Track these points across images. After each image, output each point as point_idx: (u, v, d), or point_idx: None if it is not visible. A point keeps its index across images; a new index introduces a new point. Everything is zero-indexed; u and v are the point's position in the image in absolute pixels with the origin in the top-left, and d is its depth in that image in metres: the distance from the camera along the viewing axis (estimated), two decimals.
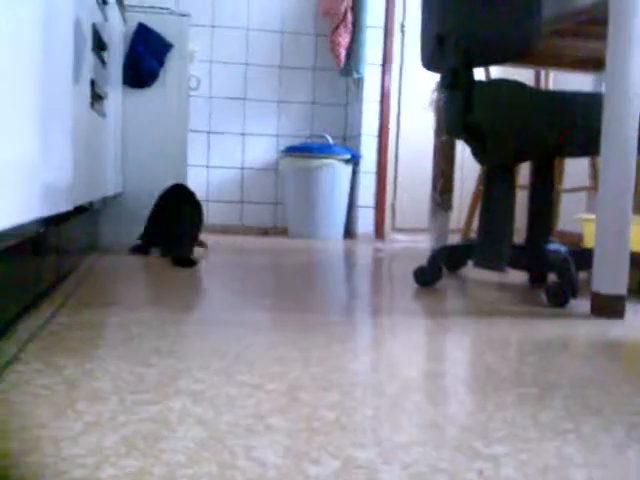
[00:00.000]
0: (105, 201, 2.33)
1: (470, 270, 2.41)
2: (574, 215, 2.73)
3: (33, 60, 1.03)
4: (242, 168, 3.85)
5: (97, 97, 2.01)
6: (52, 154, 1.22)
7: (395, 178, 3.77)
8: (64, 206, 1.35)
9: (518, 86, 1.82)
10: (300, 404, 0.87)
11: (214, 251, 2.82)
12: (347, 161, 3.62)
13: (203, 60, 3.73)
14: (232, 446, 0.72)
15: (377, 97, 3.71)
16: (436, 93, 2.75)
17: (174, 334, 1.25)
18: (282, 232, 3.84)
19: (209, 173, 3.80)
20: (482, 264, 1.89)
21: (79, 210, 1.58)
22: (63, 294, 1.61)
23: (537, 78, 3.75)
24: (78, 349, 1.11)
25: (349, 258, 2.87)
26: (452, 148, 2.60)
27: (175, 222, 2.50)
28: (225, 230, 3.77)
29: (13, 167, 0.91)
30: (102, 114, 2.14)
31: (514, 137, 1.85)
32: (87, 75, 1.77)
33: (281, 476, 0.65)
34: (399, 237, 3.74)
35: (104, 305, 1.51)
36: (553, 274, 1.94)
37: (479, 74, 1.98)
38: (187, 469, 0.66)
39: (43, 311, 1.40)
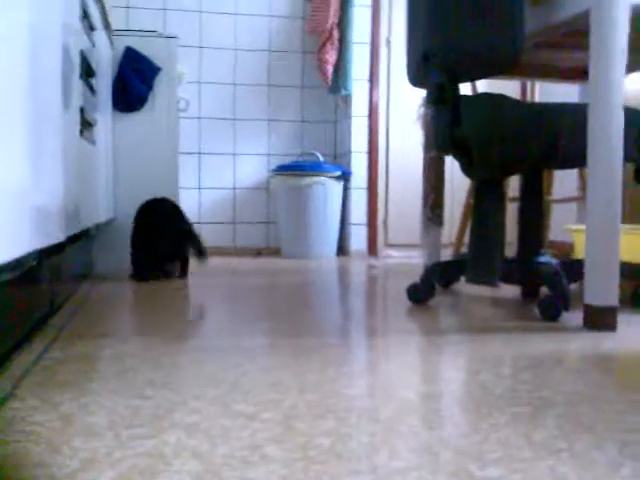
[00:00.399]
0: (98, 227, 2.33)
1: (463, 285, 2.42)
2: (565, 225, 2.75)
3: (22, 89, 1.04)
4: (234, 188, 3.87)
5: (86, 124, 2.02)
6: (43, 185, 1.23)
7: (386, 194, 3.79)
8: (57, 236, 1.35)
9: (503, 99, 1.84)
10: (296, 433, 0.88)
11: (208, 274, 2.82)
12: (338, 178, 3.64)
13: (192, 81, 3.75)
14: (227, 478, 0.73)
15: (366, 113, 3.74)
16: (423, 108, 2.77)
17: (169, 365, 1.25)
18: (275, 252, 3.84)
19: (201, 195, 3.81)
20: (474, 280, 1.90)
21: (73, 239, 1.59)
22: (57, 326, 1.61)
23: (523, 90, 3.79)
24: (72, 383, 1.11)
25: (343, 277, 2.88)
26: (441, 163, 2.62)
27: (160, 239, 2.49)
28: (218, 252, 3.78)
29: (3, 198, 0.91)
30: (92, 141, 2.15)
31: (501, 150, 1.86)
32: (76, 103, 1.78)
33: None
34: (392, 253, 3.76)
35: (98, 336, 1.51)
36: (545, 287, 1.95)
37: (465, 88, 2.00)
38: None
39: (36, 345, 1.40)
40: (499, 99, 1.85)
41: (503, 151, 1.87)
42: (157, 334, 1.52)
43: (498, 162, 1.90)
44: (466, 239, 2.86)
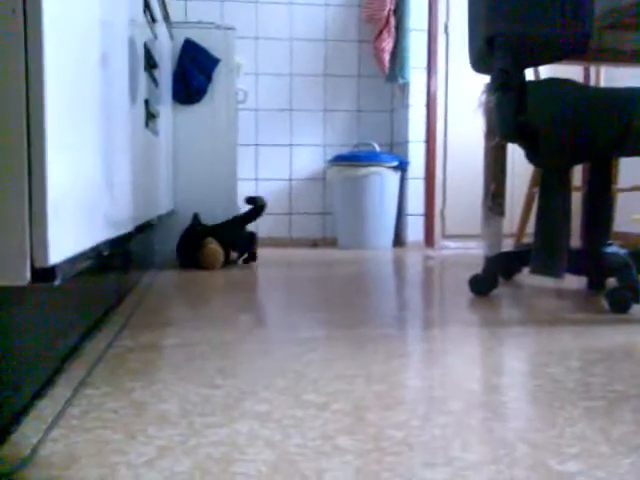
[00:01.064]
0: (160, 219, 2.38)
1: (526, 277, 2.37)
2: (631, 215, 2.66)
3: (95, 84, 1.06)
4: (290, 179, 3.88)
5: (151, 116, 2.05)
6: (113, 177, 1.25)
7: (444, 184, 3.74)
8: (126, 227, 1.38)
9: (572, 84, 1.79)
10: (366, 424, 0.87)
11: (265, 265, 2.84)
12: (395, 168, 3.61)
13: (249, 73, 3.77)
14: (303, 469, 0.73)
15: (423, 102, 3.69)
16: (485, 95, 2.71)
17: (235, 354, 1.26)
18: (331, 243, 3.84)
19: (258, 186, 3.83)
20: (539, 270, 1.86)
21: (138, 230, 1.62)
22: (124, 314, 1.65)
23: (586, 75, 3.67)
24: (143, 371, 1.13)
25: (400, 268, 2.86)
26: (503, 151, 2.57)
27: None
28: (274, 243, 3.79)
29: (79, 192, 0.93)
30: (155, 132, 2.18)
31: (569, 137, 1.81)
32: (142, 95, 1.81)
33: None
34: (449, 244, 3.71)
35: (164, 325, 1.53)
36: (613, 278, 1.89)
37: (528, 74, 1.95)
38: None
39: (107, 333, 1.43)
40: (567, 84, 1.79)
41: (571, 138, 1.81)
42: (220, 323, 1.53)
43: (566, 149, 1.84)
44: (528, 230, 2.80)
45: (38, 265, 0.72)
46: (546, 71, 2.93)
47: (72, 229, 0.86)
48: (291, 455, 0.77)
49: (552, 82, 1.83)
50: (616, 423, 0.89)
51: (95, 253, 1.03)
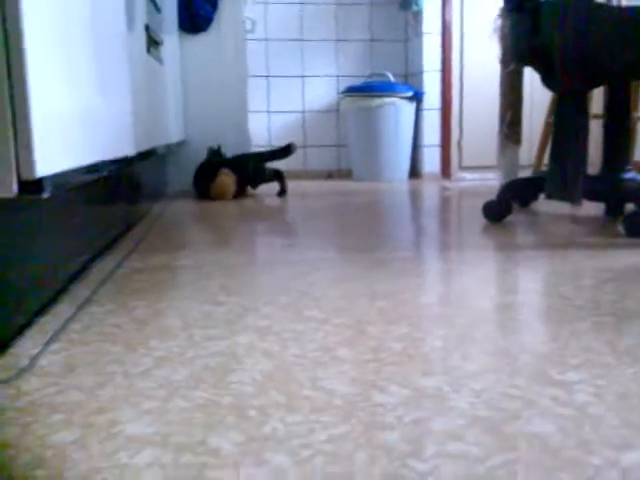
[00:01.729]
0: (170, 148, 2.35)
1: (541, 204, 2.33)
2: None
3: (82, 4, 1.03)
4: (303, 111, 3.81)
5: (153, 42, 2.00)
6: (110, 100, 1.22)
7: (460, 114, 3.65)
8: (127, 151, 1.36)
9: (588, 3, 1.70)
10: (367, 337, 0.86)
11: (278, 195, 2.82)
12: (410, 99, 3.53)
13: (257, 1, 3.66)
14: (299, 377, 0.72)
15: (438, 30, 3.58)
16: (500, 19, 2.61)
17: (241, 274, 1.26)
18: (346, 175, 3.80)
19: (270, 118, 3.78)
20: (555, 195, 1.82)
21: (144, 156, 1.60)
22: (134, 239, 1.65)
23: None
24: (149, 290, 1.13)
25: (415, 198, 2.82)
26: (519, 77, 2.49)
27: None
28: (288, 175, 3.75)
29: (75, 112, 0.92)
30: (159, 60, 2.14)
31: (586, 59, 1.74)
32: (141, 19, 1.76)
33: (348, 404, 0.65)
34: (466, 175, 3.65)
35: (173, 249, 1.53)
36: (631, 204, 1.84)
37: None
38: (255, 400, 0.66)
39: (115, 255, 1.43)
40: (584, 3, 1.71)
41: (589, 60, 1.74)
42: (229, 247, 1.53)
43: (582, 72, 1.77)
44: (546, 159, 2.73)
45: (25, 177, 0.71)
46: None
47: (63, 145, 0.85)
48: (288, 365, 0.76)
49: (567, 1, 1.74)
50: (623, 336, 0.87)
51: (92, 171, 1.01)
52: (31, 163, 0.71)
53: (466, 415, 0.62)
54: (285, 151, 2.77)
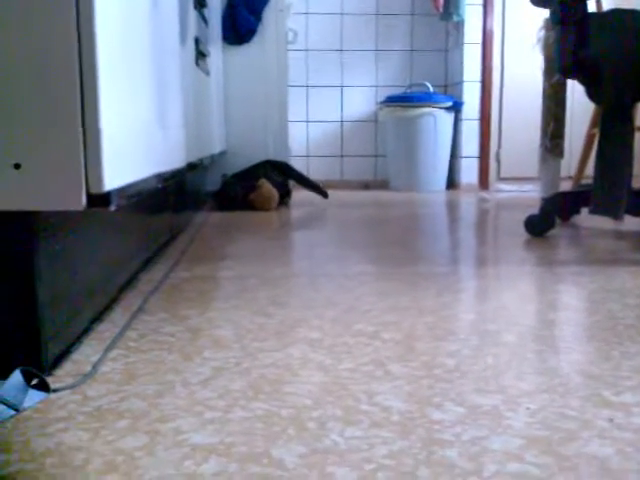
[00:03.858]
0: (213, 158, 2.39)
1: (584, 219, 2.31)
2: None
3: (145, 21, 1.06)
4: (341, 121, 3.83)
5: (201, 55, 2.04)
6: (165, 113, 1.26)
7: (500, 125, 3.64)
8: (179, 162, 1.39)
9: (636, 15, 1.69)
10: (418, 352, 0.87)
11: (316, 206, 2.84)
12: (449, 109, 3.53)
13: (299, 12, 3.70)
14: (354, 392, 0.74)
15: (479, 40, 3.57)
16: (544, 30, 2.60)
17: (286, 286, 1.28)
18: (383, 185, 3.80)
19: (308, 128, 3.80)
20: (599, 211, 1.80)
21: (190, 167, 1.63)
22: (179, 249, 1.68)
23: None
24: (198, 300, 1.15)
25: (453, 209, 2.82)
26: (563, 90, 2.47)
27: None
28: (326, 185, 3.78)
29: (137, 127, 0.94)
30: (206, 72, 2.18)
31: (635, 72, 1.73)
32: (191, 33, 1.79)
33: (406, 420, 0.66)
34: (504, 187, 3.63)
35: (217, 259, 1.56)
36: None
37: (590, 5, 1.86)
38: (313, 412, 0.68)
39: (161, 266, 1.46)
40: (632, 15, 1.70)
41: (635, 72, 1.73)
42: (271, 259, 1.55)
43: (630, 85, 1.76)
44: (587, 172, 2.71)
45: (94, 191, 0.74)
46: (608, 3, 2.79)
47: (126, 160, 0.87)
48: (342, 378, 0.78)
49: (616, 13, 1.73)
50: None
51: (149, 184, 1.04)
52: (100, 178, 0.73)
53: (523, 435, 0.63)
54: (318, 190, 2.84)
